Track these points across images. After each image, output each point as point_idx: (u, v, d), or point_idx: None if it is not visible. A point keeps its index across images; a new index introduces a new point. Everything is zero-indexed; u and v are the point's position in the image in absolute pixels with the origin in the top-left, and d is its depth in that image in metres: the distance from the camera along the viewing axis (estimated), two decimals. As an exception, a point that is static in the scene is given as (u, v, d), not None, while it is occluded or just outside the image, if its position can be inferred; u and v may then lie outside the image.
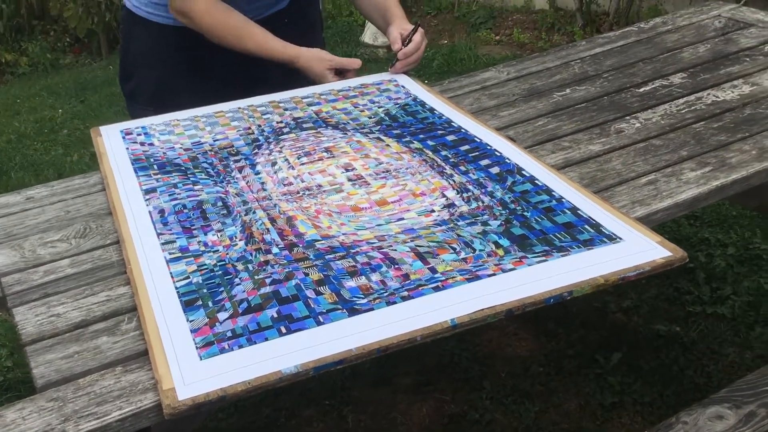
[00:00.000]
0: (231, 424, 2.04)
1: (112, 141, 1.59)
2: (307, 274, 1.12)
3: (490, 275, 1.09)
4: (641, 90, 1.70)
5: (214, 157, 1.51)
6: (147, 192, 1.38)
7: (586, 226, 1.19)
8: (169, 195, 1.37)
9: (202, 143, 1.57)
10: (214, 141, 1.58)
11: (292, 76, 1.80)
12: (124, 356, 1.01)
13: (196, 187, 1.39)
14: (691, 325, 2.27)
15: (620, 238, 1.15)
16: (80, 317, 1.09)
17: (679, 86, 1.70)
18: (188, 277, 1.13)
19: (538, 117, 1.62)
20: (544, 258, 1.12)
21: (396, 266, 1.12)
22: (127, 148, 1.55)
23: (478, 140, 1.49)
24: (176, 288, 1.11)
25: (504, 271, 1.10)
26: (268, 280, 1.11)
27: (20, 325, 1.08)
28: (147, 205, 1.34)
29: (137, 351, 1.02)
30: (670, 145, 1.45)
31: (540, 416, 1.99)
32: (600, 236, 1.16)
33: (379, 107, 1.69)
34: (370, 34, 4.85)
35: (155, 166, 1.48)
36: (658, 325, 2.27)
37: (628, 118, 1.58)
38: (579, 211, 1.23)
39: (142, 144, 1.57)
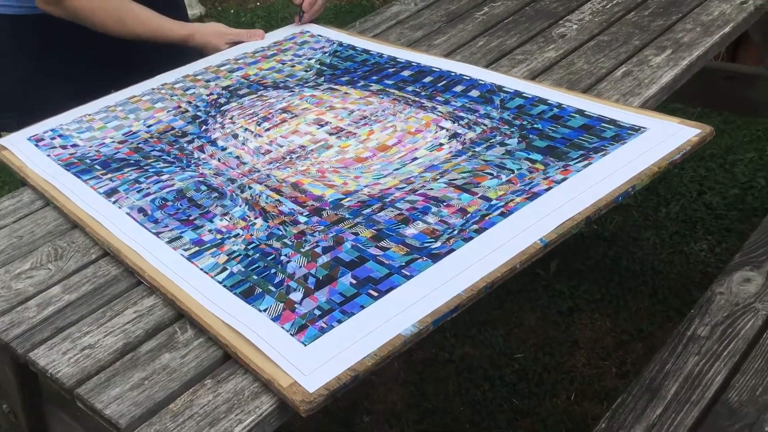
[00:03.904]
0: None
1: (25, 151, 1.38)
2: (357, 234, 1.02)
3: (547, 189, 1.05)
4: (557, -5, 1.71)
5: (159, 144, 1.34)
6: (108, 194, 1.20)
7: (604, 125, 1.18)
8: (138, 192, 1.20)
9: (135, 132, 1.39)
10: (148, 127, 1.41)
11: (170, 60, 1.64)
12: (204, 367, 0.88)
13: (163, 177, 1.23)
14: (605, 221, 2.37)
15: (644, 128, 1.15)
16: (120, 342, 0.93)
17: (590, -15, 1.73)
18: (225, 269, 1.00)
19: (474, 38, 1.59)
20: (587, 162, 1.09)
21: (445, 203, 1.05)
22: (49, 155, 1.35)
23: (438, 69, 1.44)
24: (220, 282, 0.98)
25: (557, 182, 1.06)
26: (318, 250, 1.00)
27: (51, 369, 0.90)
28: (119, 208, 1.17)
29: (215, 358, 0.89)
30: (619, 39, 1.48)
31: (508, 338, 2.01)
32: (624, 130, 1.15)
33: (308, 59, 1.58)
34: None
35: (98, 167, 1.29)
36: (578, 228, 2.35)
37: (561, 22, 1.59)
38: (587, 113, 1.21)
39: (63, 147, 1.37)
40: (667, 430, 1.04)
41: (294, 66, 1.56)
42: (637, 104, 1.26)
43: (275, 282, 0.96)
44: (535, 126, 1.20)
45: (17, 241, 1.16)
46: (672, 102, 2.51)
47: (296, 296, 0.93)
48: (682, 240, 2.27)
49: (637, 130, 1.15)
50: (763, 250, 1.32)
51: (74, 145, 1.37)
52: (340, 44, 1.62)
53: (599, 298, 2.09)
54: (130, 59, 1.70)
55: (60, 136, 1.41)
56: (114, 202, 1.18)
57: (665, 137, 1.12)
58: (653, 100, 1.28)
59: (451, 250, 0.96)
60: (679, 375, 1.12)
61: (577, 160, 1.10)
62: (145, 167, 1.27)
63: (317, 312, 0.90)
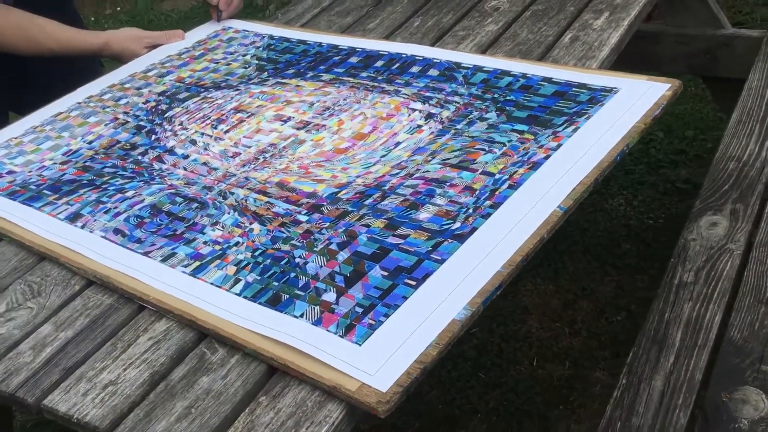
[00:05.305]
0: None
1: (-46, 186, 1.25)
2: (368, 225, 0.99)
3: (546, 158, 1.05)
4: (476, -31, 1.72)
5: (109, 159, 1.25)
6: (71, 219, 1.11)
7: (576, 89, 1.19)
8: (105, 213, 1.11)
9: (76, 151, 1.29)
10: (90, 143, 1.31)
11: (77, 77, 1.54)
12: (252, 384, 0.82)
13: (128, 194, 1.15)
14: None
15: (616, 88, 1.17)
16: (146, 373, 0.86)
17: (504, -42, 1.75)
18: (238, 280, 0.94)
19: (408, 19, 1.57)
20: (574, 126, 1.11)
21: (448, 183, 1.04)
22: (-16, 186, 1.23)
23: (386, 53, 1.41)
24: (238, 294, 0.92)
25: (553, 150, 1.07)
26: (333, 247, 0.96)
27: (76, 413, 0.82)
28: (90, 232, 1.08)
29: (260, 373, 0.84)
30: (554, 6, 1.50)
31: (459, 315, 2.01)
32: (597, 92, 1.17)
33: (243, 56, 1.52)
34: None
35: (47, 191, 1.19)
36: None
37: (490, -5, 1.60)
38: (554, 80, 1.23)
39: (-1, 176, 1.25)
40: (684, 375, 1.07)
41: (230, 64, 1.49)
42: (596, 66, 1.28)
43: (300, 285, 0.91)
44: (509, 98, 1.21)
45: (-21, 283, 1.05)
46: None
47: (329, 297, 0.89)
48: (600, 198, 2.35)
49: (609, 90, 1.17)
50: (719, 194, 1.38)
51: (10, 172, 1.26)
52: (271, 37, 1.57)
53: (538, 263, 2.13)
54: (30, 79, 1.59)
55: (-11, 164, 1.29)
56: (82, 227, 1.09)
57: (640, 95, 1.15)
58: (607, 61, 1.31)
59: (474, 229, 0.95)
60: (680, 322, 1.15)
61: (563, 126, 1.11)
62: (103, 186, 1.18)
63: (359, 309, 0.86)
